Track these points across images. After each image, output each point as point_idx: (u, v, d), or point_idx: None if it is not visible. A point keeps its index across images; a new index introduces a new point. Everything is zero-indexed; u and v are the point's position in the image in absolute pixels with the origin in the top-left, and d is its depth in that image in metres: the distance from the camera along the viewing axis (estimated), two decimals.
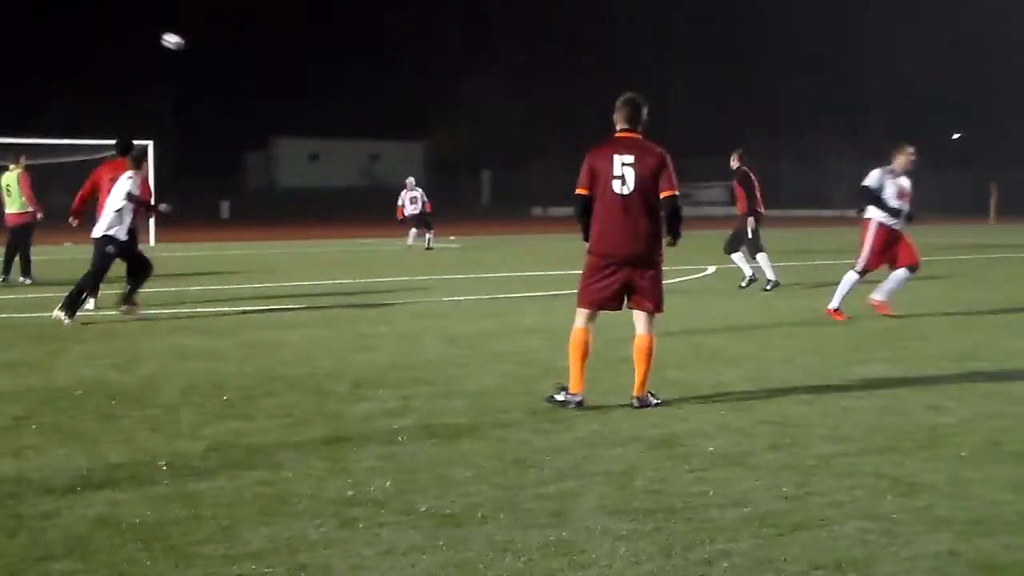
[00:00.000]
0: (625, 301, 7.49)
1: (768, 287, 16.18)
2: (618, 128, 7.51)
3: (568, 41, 78.09)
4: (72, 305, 12.06)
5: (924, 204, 59.40)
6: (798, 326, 11.87)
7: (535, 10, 78.29)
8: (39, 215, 18.75)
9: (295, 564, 4.39)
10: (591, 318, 7.49)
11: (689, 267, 20.51)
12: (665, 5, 79.25)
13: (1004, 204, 49.79)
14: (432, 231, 28.89)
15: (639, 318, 7.47)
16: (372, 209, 56.02)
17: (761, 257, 16.53)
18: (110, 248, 12.44)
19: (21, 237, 18.35)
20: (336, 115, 75.11)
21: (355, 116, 75.89)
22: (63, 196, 19.19)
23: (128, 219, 12.55)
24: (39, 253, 19.23)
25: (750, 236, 16.50)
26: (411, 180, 29.67)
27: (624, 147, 7.37)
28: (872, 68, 77.62)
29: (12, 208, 18.49)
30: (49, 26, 72.27)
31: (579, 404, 7.34)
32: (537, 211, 67.46)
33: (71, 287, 12.26)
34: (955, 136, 78.68)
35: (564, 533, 4.77)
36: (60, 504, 5.19)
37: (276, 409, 7.37)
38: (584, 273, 7.55)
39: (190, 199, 53.52)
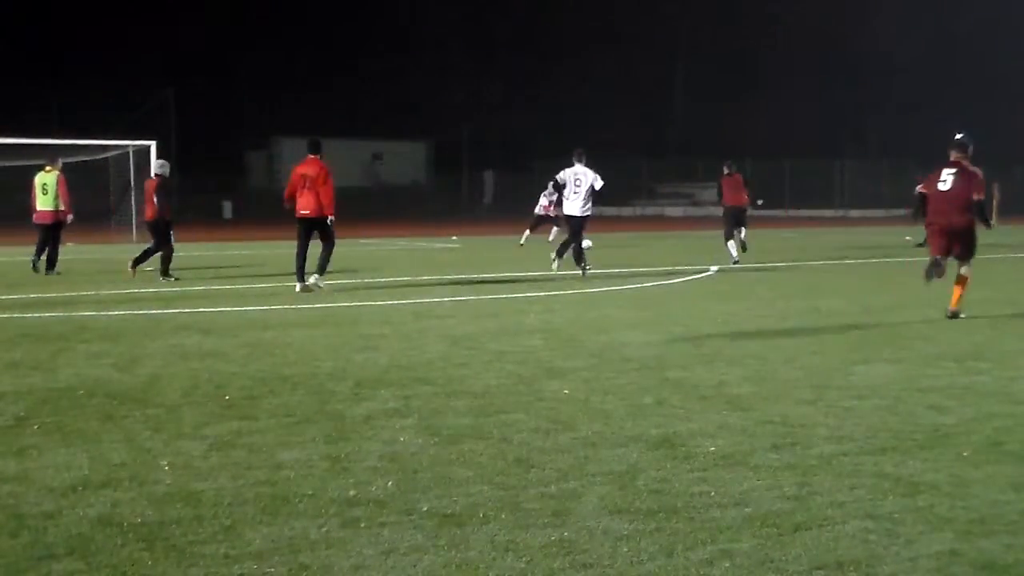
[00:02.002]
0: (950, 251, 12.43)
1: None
2: (952, 156, 12.62)
3: (572, 42, 78.05)
4: (573, 257, 18.75)
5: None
6: (800, 326, 11.86)
7: (539, 11, 78.27)
8: (70, 217, 19.87)
9: (297, 564, 4.39)
10: (938, 262, 12.25)
11: (691, 267, 20.51)
12: (672, 7, 79.14)
13: (1007, 204, 49.64)
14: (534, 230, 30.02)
15: (956, 262, 12.46)
16: (374, 209, 55.99)
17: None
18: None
19: (51, 234, 19.53)
20: (338, 114, 75.10)
21: (357, 115, 75.91)
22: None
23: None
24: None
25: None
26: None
27: (950, 166, 12.50)
28: (872, 69, 77.58)
29: (45, 206, 19.66)
30: (49, 25, 72.29)
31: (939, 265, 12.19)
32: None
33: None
34: (957, 136, 78.61)
35: (566, 533, 4.77)
36: (62, 504, 5.19)
37: (278, 409, 7.37)
38: (927, 234, 13.01)
39: (192, 199, 53.56)
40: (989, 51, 76.74)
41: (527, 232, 30.11)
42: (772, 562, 4.42)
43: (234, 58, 75.88)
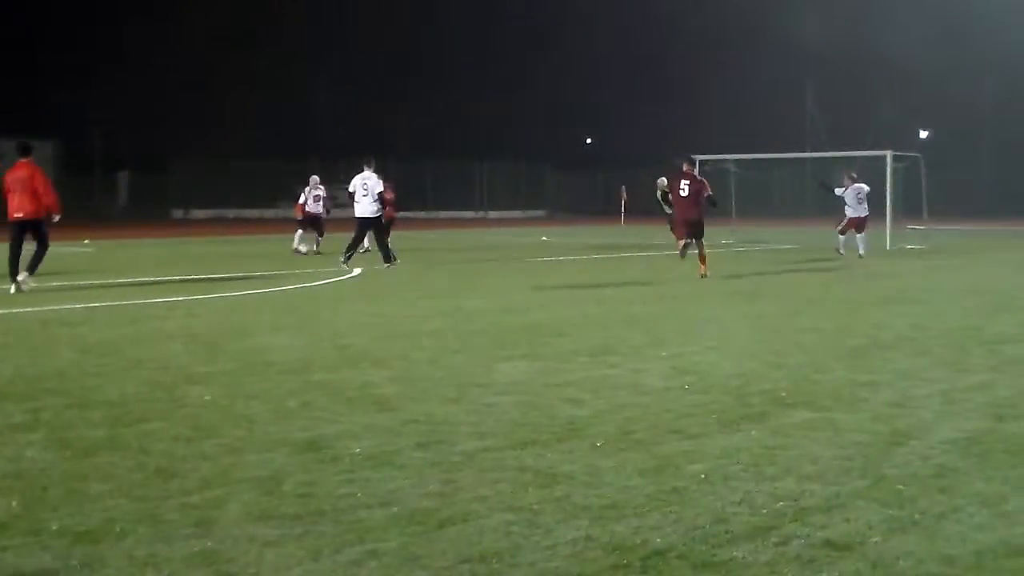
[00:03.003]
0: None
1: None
2: (684, 168, 18.86)
3: (207, 40, 75.94)
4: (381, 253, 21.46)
5: (562, 206, 61.88)
6: (444, 325, 12.09)
7: (172, 9, 75.71)
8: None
9: None
10: (687, 244, 18.93)
11: (335, 269, 20.48)
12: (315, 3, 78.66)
13: (633, 205, 52.60)
14: (322, 235, 27.38)
15: (698, 245, 18.69)
16: None
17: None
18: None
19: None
20: None
21: None
22: None
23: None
24: None
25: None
26: (315, 178, 28.23)
27: (684, 176, 18.68)
28: (511, 76, 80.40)
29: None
30: None
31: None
32: (178, 213, 65.33)
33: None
34: (587, 141, 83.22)
35: (209, 543, 4.63)
36: None
37: None
38: (674, 226, 20.08)
39: None
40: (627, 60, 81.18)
41: (304, 233, 27.52)
42: (418, 559, 4.47)
43: None
